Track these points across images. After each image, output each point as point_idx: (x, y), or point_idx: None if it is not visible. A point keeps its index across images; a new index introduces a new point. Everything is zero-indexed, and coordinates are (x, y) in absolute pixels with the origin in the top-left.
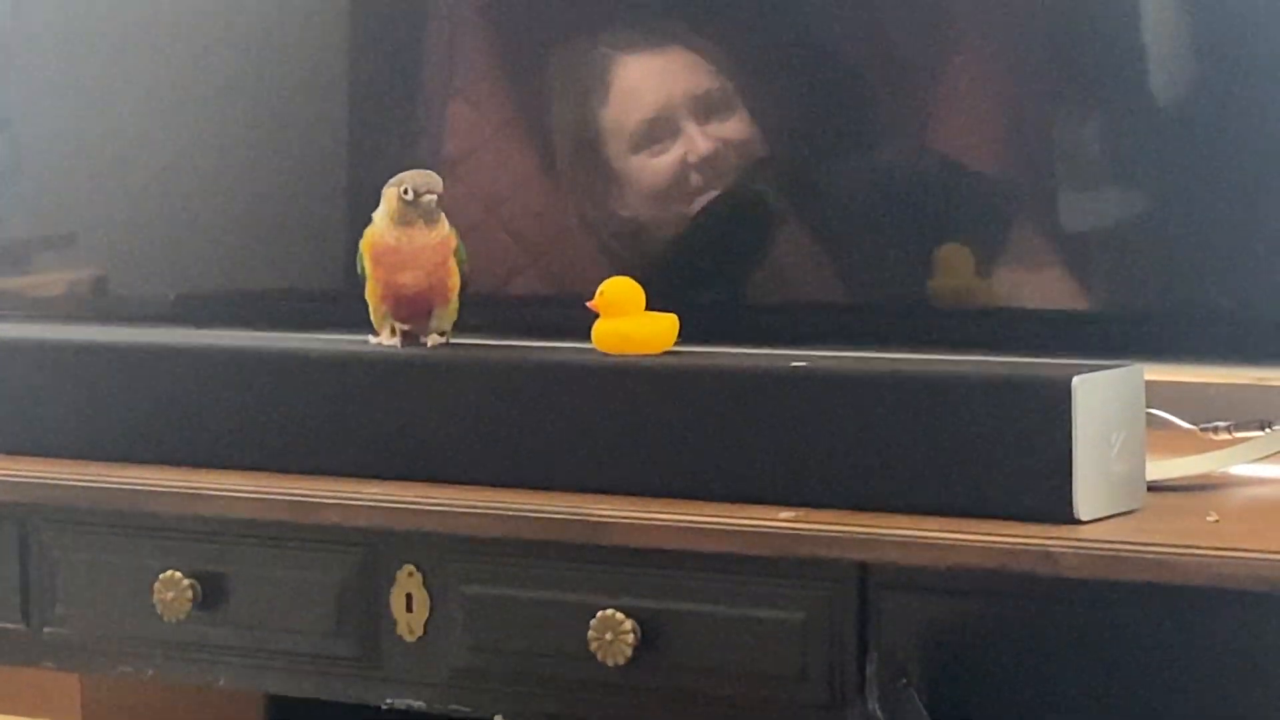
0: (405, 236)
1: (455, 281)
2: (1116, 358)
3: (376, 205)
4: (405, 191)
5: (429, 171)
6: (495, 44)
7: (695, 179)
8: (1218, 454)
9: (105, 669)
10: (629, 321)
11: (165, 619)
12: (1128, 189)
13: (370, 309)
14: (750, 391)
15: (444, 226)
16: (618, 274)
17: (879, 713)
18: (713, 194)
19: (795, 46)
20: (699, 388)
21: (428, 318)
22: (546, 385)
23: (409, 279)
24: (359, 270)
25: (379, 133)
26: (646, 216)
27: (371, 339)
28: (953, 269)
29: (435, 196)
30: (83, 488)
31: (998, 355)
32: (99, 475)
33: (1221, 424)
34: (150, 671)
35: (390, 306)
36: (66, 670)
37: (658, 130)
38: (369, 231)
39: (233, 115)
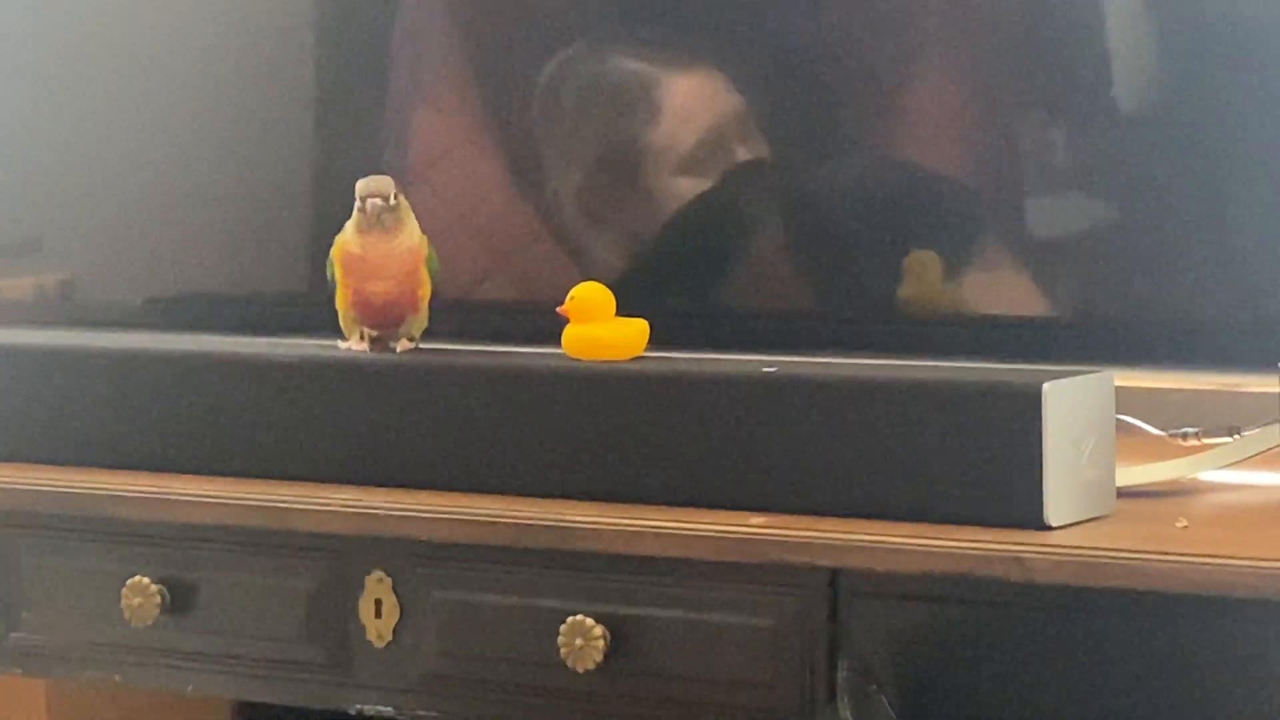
0: (369, 245)
1: (426, 291)
2: (1085, 363)
3: (343, 209)
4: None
5: (380, 177)
6: (467, 50)
7: (718, 195)
8: (1187, 460)
9: (72, 675)
10: (599, 327)
11: (133, 625)
12: (1095, 196)
13: (340, 315)
14: (721, 397)
15: (412, 235)
16: (587, 279)
17: (850, 719)
18: (685, 200)
19: (770, 60)
20: (669, 393)
21: (398, 325)
22: (516, 390)
23: (379, 288)
24: (329, 276)
25: (346, 137)
26: (619, 221)
27: (341, 344)
28: (922, 276)
29: (379, 201)
30: (50, 493)
31: (967, 361)
32: (67, 480)
33: (1190, 430)
34: (117, 677)
35: (360, 314)
36: (33, 676)
37: (700, 152)
38: (339, 239)
39: (199, 120)
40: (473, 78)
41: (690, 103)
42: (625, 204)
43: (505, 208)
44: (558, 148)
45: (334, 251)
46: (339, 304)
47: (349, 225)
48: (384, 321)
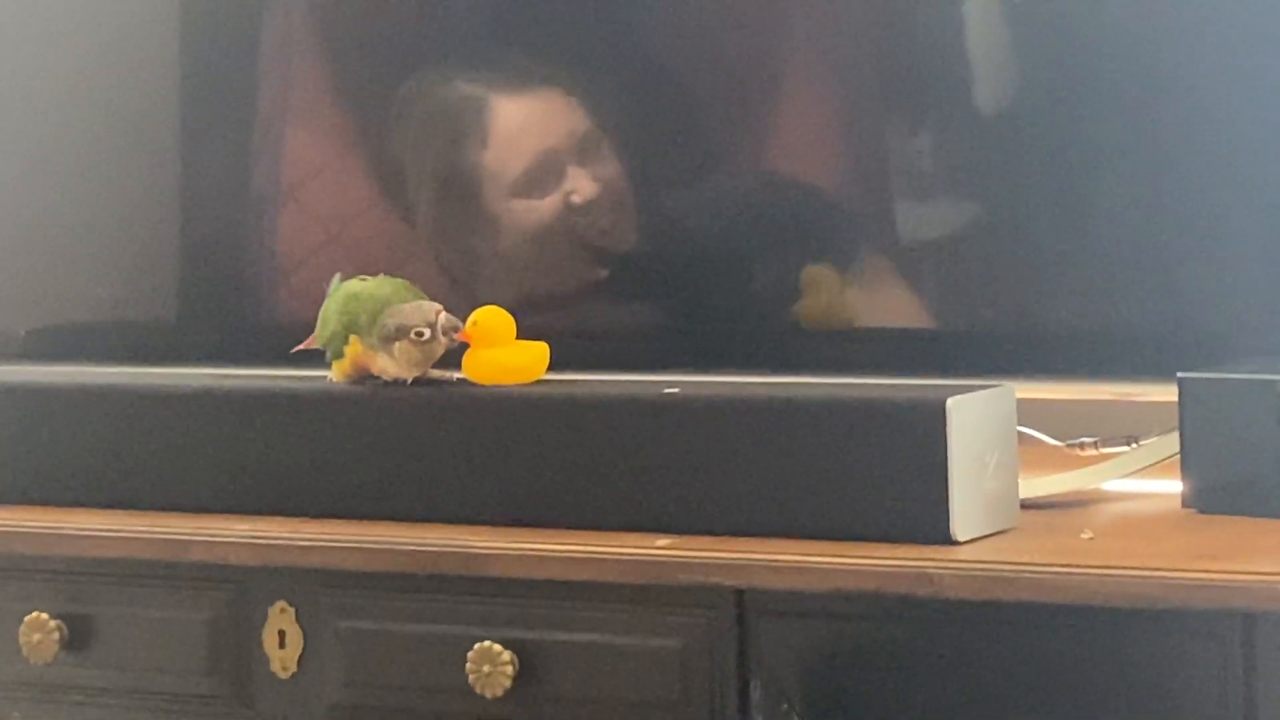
0: (415, 369)
1: None
2: (982, 375)
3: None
4: (419, 334)
5: (422, 304)
6: (334, 69)
7: (567, 216)
8: (1088, 470)
9: None
10: (501, 351)
11: (32, 662)
12: (989, 209)
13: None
14: (624, 419)
15: None
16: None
17: None
18: (577, 225)
19: (654, 86)
20: (573, 416)
21: None
22: (419, 416)
23: None
24: (330, 348)
25: (214, 161)
26: (509, 250)
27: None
28: (817, 292)
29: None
30: None
31: (863, 376)
32: None
33: (1088, 440)
34: (16, 715)
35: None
36: None
37: (536, 173)
38: (365, 357)
39: (66, 147)
40: (340, 96)
41: (545, 122)
42: (486, 224)
43: (376, 226)
44: (418, 168)
45: (351, 354)
46: (339, 372)
47: (381, 357)
48: None
